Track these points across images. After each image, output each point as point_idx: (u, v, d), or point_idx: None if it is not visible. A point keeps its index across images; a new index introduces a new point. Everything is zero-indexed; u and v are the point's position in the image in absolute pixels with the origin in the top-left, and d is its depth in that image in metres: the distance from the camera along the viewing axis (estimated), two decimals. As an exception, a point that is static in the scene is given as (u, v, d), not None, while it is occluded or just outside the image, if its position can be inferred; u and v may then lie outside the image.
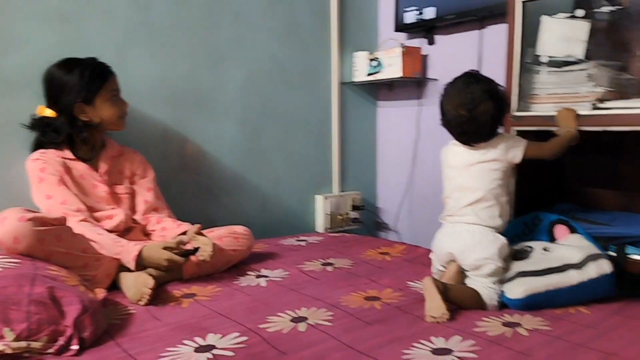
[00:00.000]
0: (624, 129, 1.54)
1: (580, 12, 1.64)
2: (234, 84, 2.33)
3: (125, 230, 1.77)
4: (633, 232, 1.59)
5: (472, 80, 1.52)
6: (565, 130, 1.59)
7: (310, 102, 2.59)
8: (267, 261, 1.88)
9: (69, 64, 1.72)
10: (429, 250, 1.82)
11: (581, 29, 1.64)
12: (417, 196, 2.68)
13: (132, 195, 1.86)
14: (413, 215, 2.71)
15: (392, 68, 2.47)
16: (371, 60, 2.57)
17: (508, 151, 1.52)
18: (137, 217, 1.84)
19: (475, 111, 1.48)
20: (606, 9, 1.60)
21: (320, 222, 2.65)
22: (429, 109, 2.57)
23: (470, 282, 1.47)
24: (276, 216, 2.51)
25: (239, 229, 1.85)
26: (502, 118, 1.54)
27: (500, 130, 1.59)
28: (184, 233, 1.71)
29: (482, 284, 1.45)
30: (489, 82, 1.53)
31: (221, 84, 2.30)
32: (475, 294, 1.43)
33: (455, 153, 1.58)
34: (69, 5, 1.90)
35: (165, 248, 1.56)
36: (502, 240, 1.50)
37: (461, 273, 1.50)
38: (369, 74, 2.59)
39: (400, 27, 2.57)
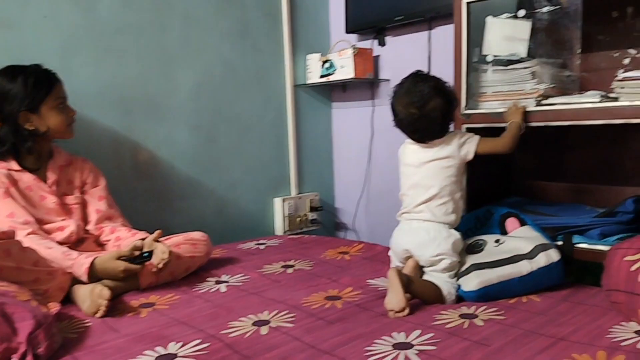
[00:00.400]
0: (567, 123, 1.61)
1: (521, 13, 1.71)
2: (185, 87, 2.30)
3: (77, 242, 1.72)
4: (579, 221, 1.67)
5: (419, 79, 1.56)
6: (509, 122, 1.64)
7: (264, 105, 2.59)
8: (226, 266, 1.87)
9: (11, 72, 1.65)
10: (387, 248, 1.85)
11: (523, 28, 1.71)
12: (374, 194, 2.72)
13: (84, 205, 1.81)
14: (370, 213, 2.75)
15: (345, 69, 2.50)
16: (324, 62, 2.59)
17: (461, 148, 1.56)
18: (90, 227, 1.79)
19: (425, 108, 1.52)
20: (546, 9, 1.67)
21: (279, 225, 2.65)
22: (382, 108, 2.61)
23: (429, 277, 1.51)
24: (234, 220, 2.50)
25: (197, 235, 1.83)
26: (451, 114, 1.58)
27: (452, 127, 1.64)
28: (141, 240, 1.68)
29: (439, 279, 1.48)
30: (436, 80, 1.57)
31: (172, 87, 2.26)
32: (435, 287, 1.46)
33: (411, 151, 1.61)
34: (9, 11, 1.83)
35: (119, 258, 1.52)
36: (456, 235, 1.54)
37: (419, 268, 1.54)
38: (322, 76, 2.61)
39: (351, 29, 2.60)
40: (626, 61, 1.81)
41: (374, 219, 2.73)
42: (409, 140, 1.61)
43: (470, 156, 1.57)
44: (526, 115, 1.65)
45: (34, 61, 1.71)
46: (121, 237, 1.75)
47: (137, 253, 1.56)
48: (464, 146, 1.56)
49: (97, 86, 2.04)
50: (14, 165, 1.67)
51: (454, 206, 1.56)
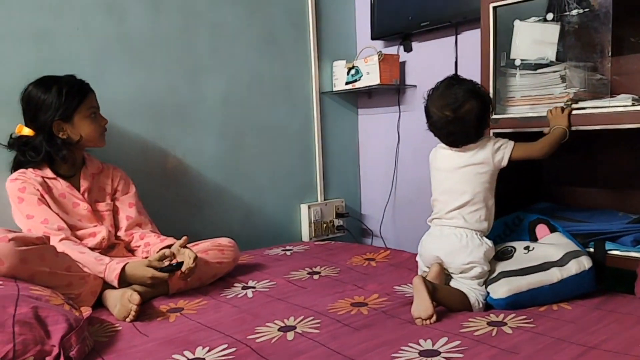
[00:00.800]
0: (598, 127, 1.58)
1: (550, 16, 1.69)
2: (213, 96, 2.34)
3: (108, 247, 1.76)
4: (611, 228, 1.63)
5: (454, 82, 1.54)
6: (554, 128, 1.60)
7: (290, 112, 2.61)
8: (253, 272, 1.88)
9: (46, 82, 1.71)
10: (414, 255, 1.83)
11: (552, 32, 1.68)
12: (400, 201, 2.70)
13: (115, 211, 1.85)
14: (397, 220, 2.73)
15: (371, 76, 2.50)
16: (349, 69, 2.59)
17: (495, 154, 1.52)
18: (120, 233, 1.83)
19: (459, 111, 1.49)
20: (575, 11, 1.64)
21: (306, 231, 2.66)
22: (409, 114, 2.60)
23: (456, 284, 1.49)
24: (260, 227, 2.52)
25: (224, 241, 1.85)
26: (487, 118, 1.55)
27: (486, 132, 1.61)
28: (169, 247, 1.70)
29: (467, 286, 1.46)
30: (472, 83, 1.54)
31: (201, 96, 2.30)
32: (462, 295, 1.44)
33: (443, 156, 1.58)
34: (43, 23, 1.89)
35: (149, 265, 1.55)
36: (489, 244, 1.52)
37: (444, 274, 1.52)
38: (348, 83, 2.61)
39: (376, 35, 2.60)
40: (660, 64, 1.77)
41: (401, 225, 2.71)
42: (442, 145, 1.59)
43: (505, 162, 1.53)
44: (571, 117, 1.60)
45: (67, 71, 1.77)
46: (150, 243, 1.78)
47: (166, 262, 1.58)
48: (498, 152, 1.53)
49: (127, 95, 2.09)
50: (48, 172, 1.72)
51: (487, 213, 1.53)
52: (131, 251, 1.83)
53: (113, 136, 1.93)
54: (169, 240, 1.77)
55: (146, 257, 1.68)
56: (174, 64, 2.22)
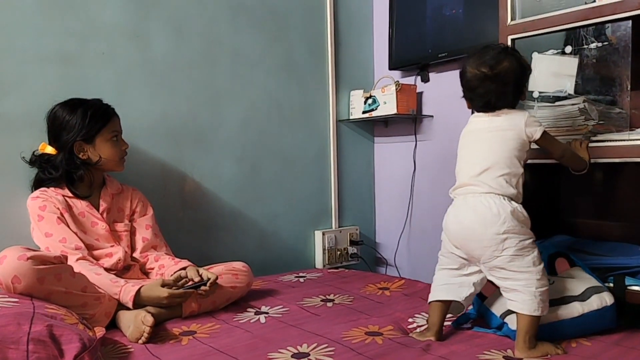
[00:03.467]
0: (616, 160, 1.56)
1: (568, 49, 1.70)
2: (232, 121, 2.37)
3: (124, 269, 1.77)
4: (631, 262, 1.60)
5: (490, 45, 1.49)
6: (582, 154, 1.56)
7: (307, 139, 2.63)
8: (266, 298, 1.87)
9: (73, 104, 1.75)
10: (428, 285, 1.81)
11: (570, 65, 1.69)
12: (415, 230, 2.69)
13: (132, 232, 1.86)
14: (411, 249, 2.71)
15: (388, 105, 2.52)
16: (367, 98, 2.62)
17: (528, 126, 1.42)
18: (136, 254, 1.84)
19: (497, 67, 1.42)
20: (594, 45, 1.65)
21: (319, 258, 2.65)
22: (425, 144, 2.61)
23: (506, 297, 1.39)
24: (274, 252, 2.51)
25: (238, 265, 1.85)
26: (524, 82, 1.47)
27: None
28: (184, 269, 1.71)
29: (518, 287, 1.35)
30: (510, 47, 1.50)
31: (220, 121, 2.33)
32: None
33: (474, 122, 1.50)
34: (70, 47, 1.94)
35: (163, 285, 1.55)
36: (523, 212, 1.39)
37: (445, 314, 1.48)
38: (365, 112, 2.64)
39: (394, 65, 2.63)
40: (679, 98, 1.76)
41: (416, 255, 2.69)
42: (474, 114, 1.51)
43: (537, 135, 1.41)
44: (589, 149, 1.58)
45: (92, 95, 1.81)
46: (165, 265, 1.79)
47: (181, 282, 1.59)
48: (531, 126, 1.42)
49: (149, 120, 2.13)
50: (68, 192, 1.75)
51: (515, 180, 1.40)
52: (145, 273, 1.84)
53: (133, 158, 1.96)
54: (184, 263, 1.77)
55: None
56: (195, 89, 2.26)
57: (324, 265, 2.63)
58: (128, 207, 1.88)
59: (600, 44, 1.65)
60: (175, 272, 1.70)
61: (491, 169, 1.40)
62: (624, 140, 1.56)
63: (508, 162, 1.40)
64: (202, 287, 1.61)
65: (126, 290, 1.55)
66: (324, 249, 2.63)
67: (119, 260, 1.74)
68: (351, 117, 2.71)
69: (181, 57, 2.22)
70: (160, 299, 1.54)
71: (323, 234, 2.64)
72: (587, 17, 1.62)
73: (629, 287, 1.54)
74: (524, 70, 1.45)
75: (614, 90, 1.64)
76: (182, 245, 2.09)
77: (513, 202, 1.39)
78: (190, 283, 1.63)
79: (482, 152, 1.43)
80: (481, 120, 1.47)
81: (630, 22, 1.55)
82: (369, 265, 2.81)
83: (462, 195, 1.45)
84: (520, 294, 1.35)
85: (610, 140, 1.58)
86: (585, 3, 1.63)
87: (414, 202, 2.69)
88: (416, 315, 1.66)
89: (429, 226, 2.58)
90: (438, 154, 2.55)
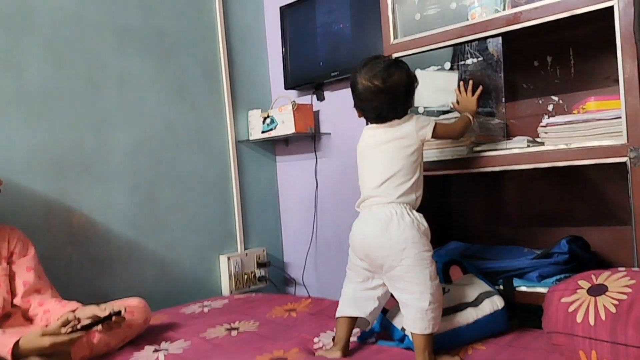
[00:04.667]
0: (498, 169, 1.66)
1: (447, 65, 1.78)
2: (122, 148, 2.25)
3: (3, 317, 1.60)
4: (518, 264, 1.69)
5: (379, 56, 1.52)
6: (463, 115, 1.62)
7: (206, 162, 2.56)
8: (167, 332, 1.77)
9: None
10: (335, 302, 1.80)
11: (451, 80, 1.78)
12: (321, 247, 2.69)
13: (11, 277, 1.70)
14: (319, 266, 2.71)
15: (286, 125, 2.52)
16: (265, 118, 2.60)
17: (420, 130, 1.47)
18: (17, 300, 1.67)
19: (390, 81, 1.44)
20: (470, 61, 1.74)
21: (226, 284, 2.57)
22: (325, 161, 2.63)
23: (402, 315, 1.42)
24: (177, 282, 2.41)
25: (133, 301, 1.74)
26: (413, 94, 1.51)
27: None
28: (72, 312, 1.58)
29: (408, 303, 1.38)
30: (396, 59, 1.53)
31: (108, 149, 2.21)
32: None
33: (369, 135, 1.52)
34: None
35: (44, 334, 1.42)
36: (422, 222, 1.43)
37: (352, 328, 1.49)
38: (264, 132, 2.62)
39: (290, 85, 2.64)
40: (550, 107, 1.90)
41: (323, 271, 2.69)
42: (367, 127, 1.53)
43: (428, 137, 1.48)
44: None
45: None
46: (50, 310, 1.65)
47: (68, 329, 1.46)
48: (422, 128, 1.47)
49: (27, 151, 1.97)
50: None
51: (416, 185, 1.45)
52: (29, 320, 1.68)
53: (10, 194, 1.80)
54: (72, 305, 1.64)
55: (46, 326, 1.54)
56: (79, 116, 2.12)
57: (231, 292, 2.56)
58: (5, 249, 1.71)
59: (475, 60, 1.74)
60: (61, 316, 1.56)
61: (392, 179, 1.43)
62: (502, 149, 1.65)
63: (407, 169, 1.44)
64: (115, 318, 1.51)
65: (3, 342, 1.40)
66: (230, 274, 2.56)
67: (-3, 308, 1.58)
68: (251, 138, 2.69)
69: (60, 84, 2.08)
70: (42, 349, 1.41)
71: (228, 259, 2.57)
72: (462, 34, 1.72)
73: (517, 288, 1.63)
74: (412, 81, 1.49)
75: (491, 102, 1.74)
76: (73, 284, 1.95)
77: (414, 212, 1.43)
78: (79, 325, 1.49)
79: (381, 163, 1.46)
80: (376, 133, 1.50)
81: (500, 38, 1.66)
82: (277, 287, 2.77)
83: (367, 208, 1.47)
84: (412, 311, 1.37)
85: (491, 150, 1.67)
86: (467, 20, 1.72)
87: (318, 218, 2.69)
88: (321, 333, 1.64)
89: (334, 242, 2.60)
90: (338, 170, 2.58)
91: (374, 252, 1.42)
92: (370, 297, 1.49)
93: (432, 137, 1.49)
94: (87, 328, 1.48)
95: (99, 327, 1.50)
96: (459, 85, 1.72)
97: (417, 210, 1.46)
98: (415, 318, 1.36)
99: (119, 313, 1.52)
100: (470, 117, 1.61)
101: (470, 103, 1.66)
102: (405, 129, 1.46)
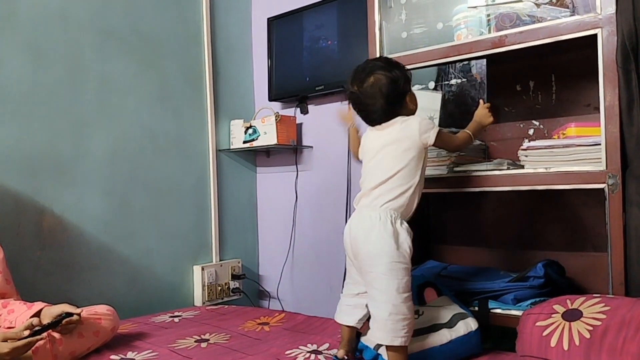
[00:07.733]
0: (477, 189, 1.66)
1: (431, 84, 1.79)
2: (99, 151, 2.21)
3: (-35, 320, 1.54)
4: (493, 286, 1.69)
5: (370, 60, 1.52)
6: (466, 131, 1.57)
7: (184, 170, 2.52)
8: (134, 342, 1.72)
9: None
10: (309, 317, 1.78)
11: (435, 99, 1.78)
12: (298, 261, 2.66)
13: (-25, 279, 1.64)
14: (294, 281, 2.68)
15: (268, 136, 2.50)
16: (247, 128, 2.58)
17: (423, 133, 1.42)
18: (-20, 304, 1.61)
19: (363, 85, 1.44)
20: (454, 81, 1.76)
21: (199, 295, 2.52)
22: (306, 174, 2.62)
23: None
24: (149, 291, 2.35)
25: (101, 308, 1.69)
26: (397, 93, 1.44)
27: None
28: (37, 315, 1.53)
29: (377, 313, 1.35)
30: (387, 59, 1.50)
31: (84, 151, 2.16)
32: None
33: (370, 137, 1.50)
34: None
35: (4, 340, 1.36)
36: (403, 231, 1.39)
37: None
38: (246, 141, 2.60)
39: (274, 97, 2.63)
40: (530, 132, 1.92)
41: (299, 286, 2.66)
42: (369, 129, 1.51)
43: (431, 141, 1.42)
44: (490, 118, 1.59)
45: None
46: (15, 310, 1.58)
47: (26, 333, 1.40)
48: (425, 133, 1.42)
49: (-1, 149, 1.92)
50: None
51: (411, 190, 1.41)
52: (-8, 323, 1.61)
53: (-22, 193, 1.74)
54: (38, 306, 1.58)
55: (9, 328, 1.49)
56: (56, 116, 2.08)
57: (203, 302, 2.51)
58: (-30, 250, 1.66)
59: (459, 80, 1.76)
60: (26, 320, 1.50)
61: (387, 182, 1.41)
62: (482, 170, 1.66)
63: (404, 174, 1.41)
64: (66, 320, 1.46)
65: (-38, 347, 1.34)
66: (203, 285, 2.52)
67: (-43, 311, 1.51)
68: (232, 147, 2.66)
69: (39, 83, 2.03)
70: (1, 355, 1.35)
71: (202, 269, 2.52)
72: (447, 55, 1.73)
73: (492, 310, 1.63)
74: (394, 82, 1.43)
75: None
76: (40, 289, 1.89)
77: (399, 223, 1.38)
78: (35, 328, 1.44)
79: (381, 165, 1.44)
80: (375, 135, 1.48)
81: (485, 60, 1.68)
82: (251, 300, 2.73)
83: (359, 208, 1.47)
84: (374, 320, 1.37)
85: (471, 171, 1.68)
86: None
87: (296, 232, 2.67)
88: (294, 349, 1.61)
89: (311, 256, 2.57)
90: (318, 183, 2.57)
91: (358, 254, 1.42)
92: (358, 304, 1.50)
93: (435, 143, 1.45)
94: (40, 332, 1.42)
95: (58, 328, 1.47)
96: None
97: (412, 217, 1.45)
98: (374, 327, 1.37)
99: (70, 315, 1.49)
100: (472, 135, 1.58)
101: (485, 115, 1.59)
102: (407, 130, 1.43)
